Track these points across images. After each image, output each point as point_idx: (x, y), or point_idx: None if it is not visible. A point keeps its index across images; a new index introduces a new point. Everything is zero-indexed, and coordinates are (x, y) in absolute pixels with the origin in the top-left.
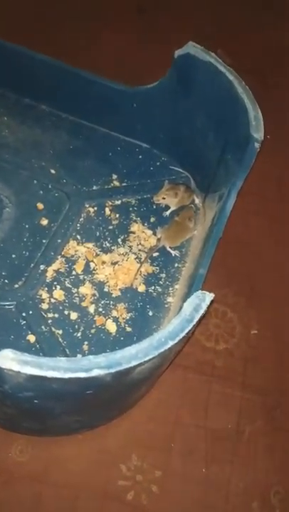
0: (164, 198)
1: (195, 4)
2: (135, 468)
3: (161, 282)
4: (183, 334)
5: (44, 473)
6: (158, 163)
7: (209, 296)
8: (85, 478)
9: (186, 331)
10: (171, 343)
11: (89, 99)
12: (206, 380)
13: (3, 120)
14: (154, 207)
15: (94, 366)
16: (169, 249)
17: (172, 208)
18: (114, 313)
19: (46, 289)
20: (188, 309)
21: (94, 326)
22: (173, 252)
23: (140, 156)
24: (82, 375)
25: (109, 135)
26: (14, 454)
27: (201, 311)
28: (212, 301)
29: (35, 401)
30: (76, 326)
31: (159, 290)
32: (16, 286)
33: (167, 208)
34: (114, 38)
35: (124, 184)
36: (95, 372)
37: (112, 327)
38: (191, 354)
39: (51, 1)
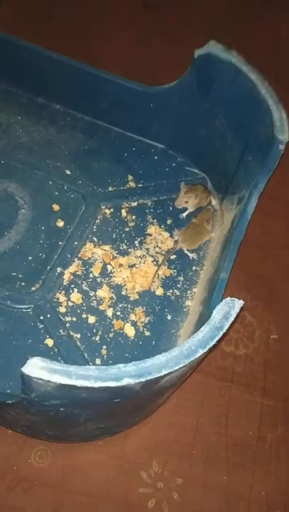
0: (186, 202)
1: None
2: (156, 475)
3: (179, 285)
4: (213, 342)
5: (64, 480)
6: (174, 164)
7: (239, 303)
8: (105, 486)
9: (216, 338)
10: (201, 352)
11: (104, 99)
12: (226, 386)
13: (17, 120)
14: (171, 208)
15: (124, 375)
16: (186, 251)
17: (190, 210)
18: (133, 317)
19: (63, 292)
20: (217, 317)
21: (112, 329)
22: (191, 255)
23: (156, 157)
24: (113, 384)
25: (124, 135)
26: (34, 460)
27: (231, 319)
28: (241, 308)
29: (62, 409)
30: (94, 330)
31: (177, 293)
32: (33, 289)
33: (184, 209)
34: (120, 34)
35: (140, 185)
36: (125, 382)
37: (130, 331)
38: (210, 359)
39: None
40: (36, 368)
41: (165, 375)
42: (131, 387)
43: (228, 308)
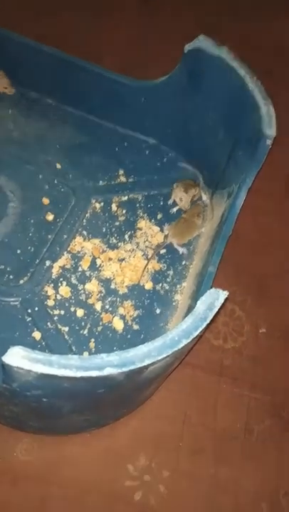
0: (180, 200)
1: None
2: (143, 468)
3: (168, 280)
4: (197, 333)
5: (50, 472)
6: (165, 159)
7: (223, 294)
8: (92, 478)
9: (200, 329)
10: (184, 342)
11: (96, 94)
12: (215, 379)
13: (8, 113)
14: (162, 203)
15: (107, 365)
16: (176, 246)
17: (179, 204)
18: (121, 311)
19: (52, 285)
20: (201, 307)
21: (101, 323)
22: (180, 249)
23: (147, 152)
24: (95, 373)
25: (115, 130)
26: (20, 453)
27: (215, 310)
28: (226, 299)
29: (44, 399)
30: (83, 323)
31: (167, 288)
32: (21, 282)
33: (174, 204)
34: (116, 29)
35: (130, 180)
36: (108, 371)
37: (119, 324)
38: (199, 352)
39: None
40: (17, 357)
41: (148, 365)
42: (114, 377)
43: (212, 300)
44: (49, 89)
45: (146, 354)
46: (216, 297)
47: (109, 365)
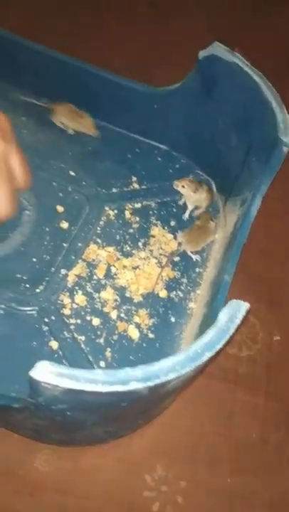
0: (183, 187)
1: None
2: (160, 478)
3: (182, 287)
4: (220, 345)
5: (69, 483)
6: (177, 166)
7: (244, 306)
8: (110, 489)
9: (223, 341)
10: (208, 355)
11: (108, 100)
12: (230, 388)
13: (21, 120)
14: (175, 210)
15: (131, 379)
16: (190, 253)
17: (189, 208)
18: (137, 319)
19: (68, 293)
20: (223, 319)
21: (116, 332)
22: (194, 257)
23: (159, 158)
24: (120, 388)
25: (127, 136)
26: (39, 464)
27: (237, 321)
28: (247, 311)
29: (68, 413)
30: (98, 332)
31: (181, 295)
32: (38, 290)
33: (185, 208)
34: (125, 33)
35: (143, 187)
36: (133, 386)
37: (134, 333)
38: (214, 361)
39: None
40: (44, 372)
41: (172, 379)
42: (138, 391)
43: (234, 311)
44: (61, 96)
45: (170, 368)
46: (237, 309)
47: (134, 379)
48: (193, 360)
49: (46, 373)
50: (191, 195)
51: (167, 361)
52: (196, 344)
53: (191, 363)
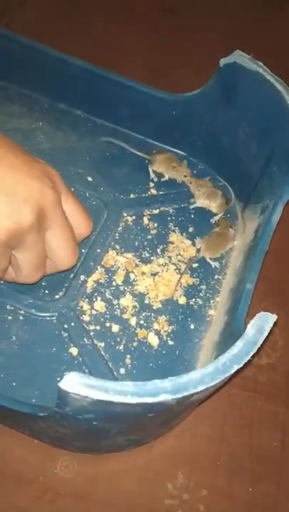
0: (190, 183)
1: (220, 4)
2: (181, 486)
3: (201, 294)
4: (248, 357)
5: (90, 490)
6: (195, 171)
7: (272, 318)
8: (131, 497)
9: (251, 353)
10: (236, 367)
11: (126, 106)
12: (250, 396)
13: (38, 125)
14: (193, 216)
15: (161, 391)
16: (209, 260)
17: (198, 203)
18: (156, 326)
19: (87, 300)
20: (252, 331)
21: (136, 338)
22: (213, 264)
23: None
24: (149, 400)
25: (145, 142)
26: (60, 470)
27: (265, 333)
28: (275, 323)
29: (94, 423)
30: (118, 339)
31: (200, 302)
32: (57, 297)
33: (203, 210)
34: (138, 38)
35: (161, 192)
36: (162, 398)
37: (154, 340)
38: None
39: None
40: (73, 383)
41: (201, 391)
42: (167, 403)
43: (262, 323)
44: (78, 101)
45: (199, 380)
46: (265, 321)
47: (163, 391)
48: (222, 373)
49: (75, 384)
50: (203, 202)
51: (196, 373)
52: (225, 356)
53: (220, 375)
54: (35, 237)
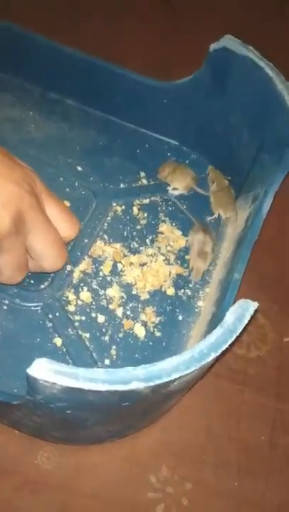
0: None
1: (221, 5)
2: (165, 479)
3: (191, 285)
4: (226, 345)
5: (71, 482)
6: (187, 161)
7: (253, 305)
8: (113, 489)
9: (230, 342)
10: (214, 355)
11: (117, 95)
12: (238, 389)
13: (28, 115)
14: (184, 207)
15: (133, 378)
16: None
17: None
18: (143, 317)
19: (73, 290)
20: (231, 319)
21: (122, 329)
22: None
23: (169, 154)
24: (121, 387)
25: (137, 131)
26: (40, 461)
27: (245, 321)
28: (255, 311)
29: (68, 412)
30: (104, 330)
31: (189, 294)
32: (42, 286)
33: (195, 200)
34: (137, 30)
35: (152, 182)
36: (134, 385)
37: (140, 331)
38: (222, 361)
39: None
40: (42, 370)
41: (175, 379)
42: (140, 391)
43: (242, 311)
44: (70, 90)
45: (174, 368)
46: (245, 308)
47: (135, 379)
48: (198, 361)
49: (44, 371)
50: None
51: (171, 361)
52: (202, 344)
53: (196, 363)
54: (12, 241)
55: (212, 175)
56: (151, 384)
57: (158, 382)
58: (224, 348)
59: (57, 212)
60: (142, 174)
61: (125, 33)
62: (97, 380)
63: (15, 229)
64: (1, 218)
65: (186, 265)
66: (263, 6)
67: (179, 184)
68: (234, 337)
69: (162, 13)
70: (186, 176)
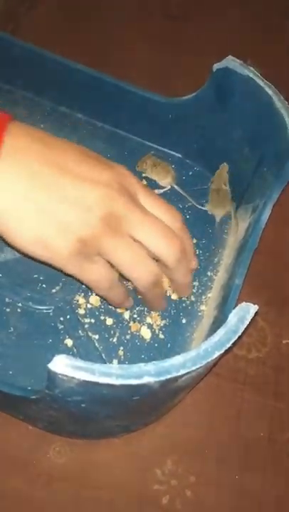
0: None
1: (222, 12)
2: (170, 472)
3: (194, 290)
4: (228, 345)
5: (81, 475)
6: (190, 173)
7: (253, 308)
8: (121, 482)
9: (232, 341)
10: (217, 353)
11: (125, 109)
12: (239, 388)
13: (40, 128)
14: (188, 216)
15: (144, 373)
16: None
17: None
18: (149, 320)
19: (83, 294)
20: (233, 320)
21: (129, 331)
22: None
23: (173, 166)
24: (133, 381)
25: (143, 144)
26: (52, 455)
27: (246, 322)
28: (255, 313)
29: (83, 405)
30: (112, 332)
31: (192, 298)
32: (54, 291)
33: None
34: (141, 44)
35: (157, 193)
36: (145, 380)
37: (146, 334)
38: (223, 362)
39: (79, 6)
40: (62, 365)
41: (183, 375)
42: (150, 386)
43: (244, 313)
44: (79, 105)
45: (181, 364)
46: (246, 310)
47: (146, 374)
48: (203, 358)
49: (63, 366)
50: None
51: (179, 358)
52: (207, 343)
53: (202, 360)
54: (112, 240)
55: (216, 175)
56: (162, 379)
57: (168, 377)
58: (227, 346)
59: (156, 206)
60: (144, 182)
61: (128, 43)
62: (111, 374)
63: (108, 229)
64: (89, 220)
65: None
66: (264, 19)
67: (161, 179)
68: (236, 337)
69: (165, 24)
70: (167, 172)
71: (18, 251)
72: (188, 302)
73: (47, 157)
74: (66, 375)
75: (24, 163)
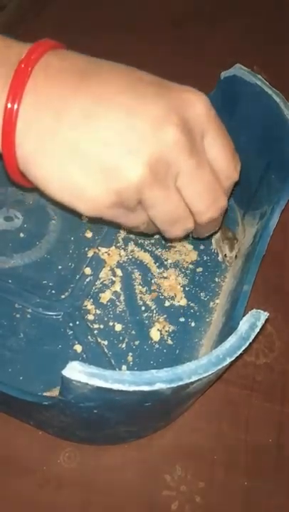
0: (225, 256)
1: (229, 18)
2: (179, 478)
3: (202, 297)
4: (240, 351)
5: (92, 480)
6: None
7: (264, 315)
8: (131, 488)
9: (243, 348)
10: (229, 360)
11: None
12: (247, 394)
13: None
14: None
15: (157, 380)
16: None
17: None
18: (157, 326)
19: (92, 300)
20: (244, 327)
21: (138, 337)
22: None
23: None
24: (146, 388)
25: None
26: (63, 460)
27: (257, 329)
28: (266, 320)
29: (95, 411)
30: (120, 338)
31: (200, 304)
32: (63, 296)
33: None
34: (149, 51)
35: None
36: (158, 386)
37: (155, 339)
38: (232, 368)
39: (86, 11)
40: (75, 372)
41: (194, 382)
42: (162, 392)
43: (254, 320)
44: None
45: (193, 371)
46: (257, 317)
47: (159, 380)
48: (215, 365)
49: (77, 372)
50: (229, 253)
51: (191, 365)
52: (218, 350)
53: (213, 367)
54: (154, 193)
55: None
56: (174, 385)
57: (179, 383)
58: (238, 353)
59: (221, 154)
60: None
61: (135, 53)
62: (124, 381)
63: (154, 178)
64: (130, 169)
65: (197, 278)
66: (265, 30)
67: None
68: (247, 344)
69: (171, 31)
70: None
71: (50, 200)
72: (196, 308)
73: (82, 89)
74: (80, 382)
75: (55, 96)
